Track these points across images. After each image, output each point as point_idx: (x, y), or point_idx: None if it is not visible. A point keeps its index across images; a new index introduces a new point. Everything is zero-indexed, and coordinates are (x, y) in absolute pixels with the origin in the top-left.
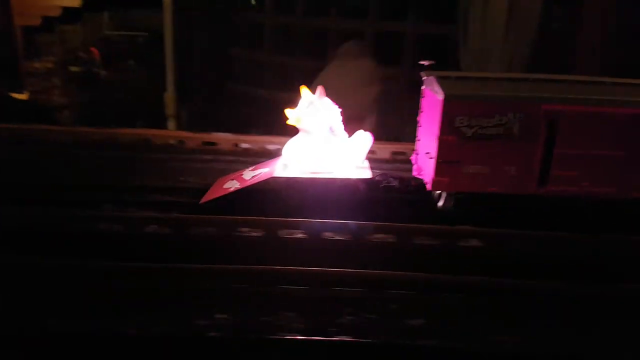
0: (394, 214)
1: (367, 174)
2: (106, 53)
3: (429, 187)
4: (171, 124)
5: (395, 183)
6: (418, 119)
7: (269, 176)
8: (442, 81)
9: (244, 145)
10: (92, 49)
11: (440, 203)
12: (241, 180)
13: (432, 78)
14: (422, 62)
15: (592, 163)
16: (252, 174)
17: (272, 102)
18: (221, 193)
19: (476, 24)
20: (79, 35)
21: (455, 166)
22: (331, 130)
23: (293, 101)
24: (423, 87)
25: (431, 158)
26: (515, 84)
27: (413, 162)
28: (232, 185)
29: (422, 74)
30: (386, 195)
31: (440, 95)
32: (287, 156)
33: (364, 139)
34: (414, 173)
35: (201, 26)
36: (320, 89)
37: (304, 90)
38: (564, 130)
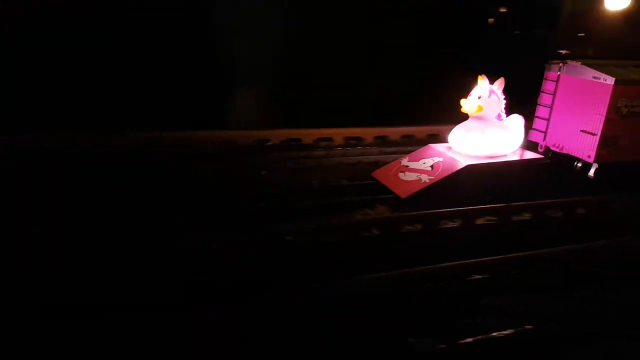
0: (561, 189)
1: (534, 154)
2: None
3: (591, 159)
4: None
5: (548, 160)
6: (540, 101)
7: (461, 165)
8: (601, 68)
9: None
10: None
11: (591, 173)
12: (426, 172)
13: (576, 64)
14: (560, 51)
15: None
16: (427, 164)
17: None
18: (417, 186)
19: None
20: None
21: (613, 140)
22: (499, 117)
23: None
24: (557, 72)
25: (594, 134)
26: None
27: (537, 140)
28: (420, 177)
29: (567, 61)
30: (544, 173)
31: (608, 80)
32: (457, 143)
33: (519, 122)
34: (547, 149)
35: None
36: (500, 80)
37: (482, 81)
38: None
